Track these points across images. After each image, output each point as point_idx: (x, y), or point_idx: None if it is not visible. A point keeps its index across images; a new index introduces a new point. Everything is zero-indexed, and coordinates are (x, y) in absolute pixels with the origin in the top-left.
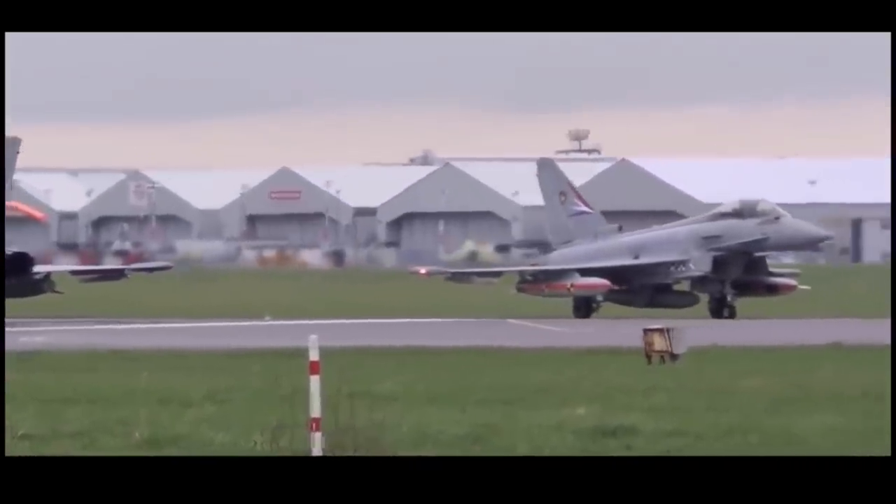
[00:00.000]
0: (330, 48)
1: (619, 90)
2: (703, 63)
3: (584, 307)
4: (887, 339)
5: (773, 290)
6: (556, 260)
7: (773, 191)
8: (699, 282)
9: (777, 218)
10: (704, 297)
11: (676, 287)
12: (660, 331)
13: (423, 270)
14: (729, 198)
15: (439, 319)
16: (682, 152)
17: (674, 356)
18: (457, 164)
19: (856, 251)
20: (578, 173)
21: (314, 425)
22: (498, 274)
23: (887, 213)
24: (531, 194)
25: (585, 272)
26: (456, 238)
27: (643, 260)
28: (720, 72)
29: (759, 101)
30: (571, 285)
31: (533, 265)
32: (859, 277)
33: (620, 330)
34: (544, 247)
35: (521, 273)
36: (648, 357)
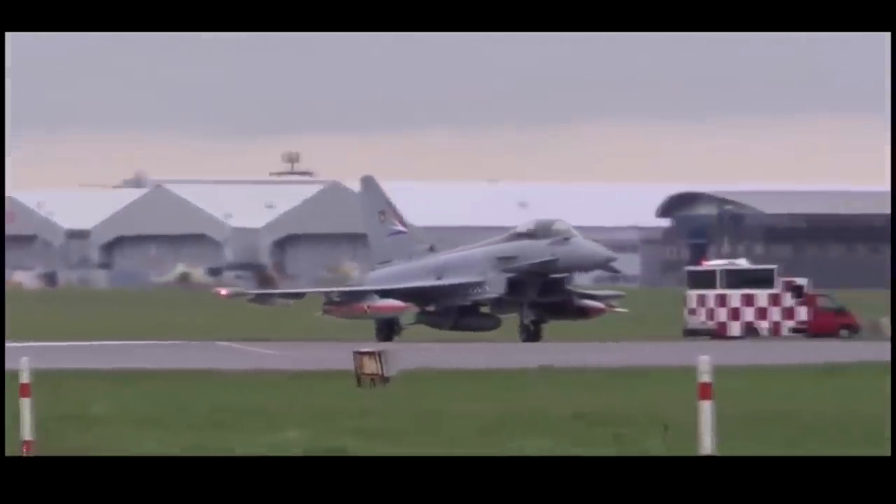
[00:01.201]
0: (45, 70)
1: (334, 114)
2: (420, 87)
3: (387, 329)
4: (592, 362)
5: (582, 312)
6: (372, 280)
7: (485, 213)
8: (497, 304)
9: (567, 239)
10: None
11: (482, 309)
12: (370, 354)
13: (223, 291)
14: (440, 220)
15: (153, 342)
16: (396, 175)
17: (385, 379)
18: (169, 187)
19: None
20: (291, 196)
21: (25, 448)
22: (301, 295)
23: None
24: (243, 217)
25: (391, 293)
26: (168, 260)
27: (442, 281)
28: (435, 96)
29: (475, 125)
30: (368, 307)
31: (347, 286)
32: None
33: (334, 353)
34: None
35: (327, 294)
36: (358, 380)
